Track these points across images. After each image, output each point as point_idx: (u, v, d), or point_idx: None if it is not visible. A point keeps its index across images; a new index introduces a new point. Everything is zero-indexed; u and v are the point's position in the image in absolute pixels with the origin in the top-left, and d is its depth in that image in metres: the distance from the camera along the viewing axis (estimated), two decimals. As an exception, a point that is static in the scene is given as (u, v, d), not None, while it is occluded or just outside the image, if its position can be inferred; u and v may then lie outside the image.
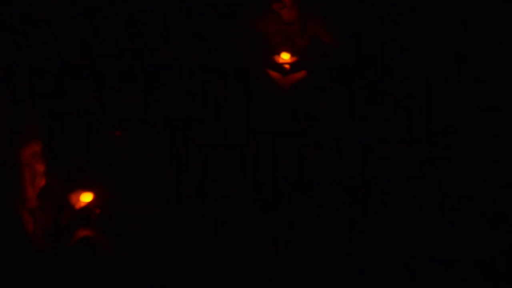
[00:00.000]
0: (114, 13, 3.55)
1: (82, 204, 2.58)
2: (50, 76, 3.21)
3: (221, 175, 3.07)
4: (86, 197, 2.60)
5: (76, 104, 3.19)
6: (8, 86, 2.94)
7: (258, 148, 3.25)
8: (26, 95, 3.05)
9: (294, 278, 2.60)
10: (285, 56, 3.46)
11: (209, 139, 3.29)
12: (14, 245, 2.41)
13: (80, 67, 3.36)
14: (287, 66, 3.45)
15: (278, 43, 3.50)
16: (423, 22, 3.39)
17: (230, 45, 3.52)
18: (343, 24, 3.45)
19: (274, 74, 3.45)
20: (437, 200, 2.84)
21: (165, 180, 3.01)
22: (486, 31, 3.22)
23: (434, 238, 2.66)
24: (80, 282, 2.39)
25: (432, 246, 2.63)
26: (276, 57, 3.47)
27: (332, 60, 3.43)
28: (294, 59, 3.46)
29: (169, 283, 2.59)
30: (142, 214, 2.76)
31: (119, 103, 3.31)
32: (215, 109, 3.42)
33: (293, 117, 3.38)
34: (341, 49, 3.41)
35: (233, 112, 3.40)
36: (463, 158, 2.98)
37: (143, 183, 2.95)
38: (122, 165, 2.97)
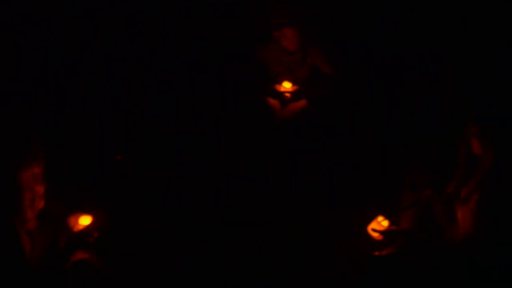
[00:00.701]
0: (116, 31, 3.59)
1: (80, 227, 2.58)
2: (52, 99, 3.25)
3: (220, 204, 3.07)
4: (85, 220, 2.61)
5: (78, 127, 3.22)
6: (9, 108, 2.98)
7: (258, 176, 3.26)
8: (28, 118, 3.10)
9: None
10: (286, 85, 3.52)
11: (208, 166, 3.30)
12: (11, 266, 2.40)
13: (82, 90, 3.40)
14: (287, 95, 3.50)
15: (279, 72, 3.57)
16: (421, 51, 3.42)
17: (232, 74, 3.58)
18: (343, 54, 3.51)
19: (274, 102, 3.49)
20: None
21: (164, 204, 3.01)
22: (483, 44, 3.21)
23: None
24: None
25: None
26: (277, 86, 3.53)
27: (332, 90, 3.47)
28: (294, 88, 3.51)
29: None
30: (140, 237, 2.75)
31: (120, 127, 3.34)
32: (215, 136, 3.44)
33: (293, 145, 3.40)
34: (340, 78, 3.45)
35: (234, 139, 3.42)
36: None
37: (142, 207, 2.95)
38: (121, 189, 2.98)
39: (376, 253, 2.48)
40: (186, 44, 3.67)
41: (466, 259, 2.23)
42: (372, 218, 2.54)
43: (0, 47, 3.23)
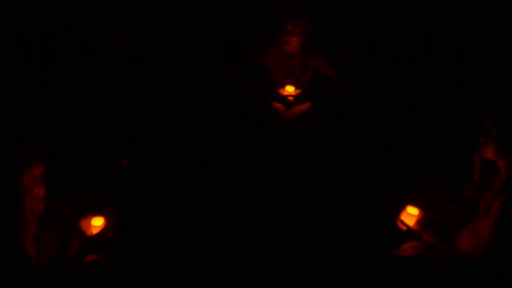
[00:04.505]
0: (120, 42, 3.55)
1: (94, 230, 2.51)
2: (56, 101, 3.17)
3: (227, 202, 3.05)
4: (97, 222, 2.54)
5: (82, 129, 3.15)
6: (10, 110, 2.89)
7: (262, 179, 3.25)
8: (30, 120, 3.01)
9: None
10: (289, 89, 3.54)
11: (213, 168, 3.27)
12: (16, 270, 2.31)
13: (87, 92, 3.33)
14: (291, 98, 3.52)
15: (282, 76, 3.58)
16: (429, 50, 3.48)
17: (236, 78, 3.57)
18: (345, 56, 3.55)
19: (278, 106, 3.50)
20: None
21: (171, 205, 2.97)
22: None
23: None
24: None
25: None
26: (280, 90, 3.54)
27: (335, 92, 3.50)
28: (298, 91, 3.54)
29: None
30: (149, 237, 2.70)
31: (125, 130, 3.29)
32: (220, 139, 3.42)
33: (297, 148, 3.40)
34: (343, 81, 3.49)
35: (238, 143, 3.40)
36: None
37: (150, 208, 2.90)
38: (128, 190, 2.92)
39: (383, 251, 2.46)
40: (191, 49, 3.65)
41: (486, 273, 2.20)
42: (400, 209, 2.53)
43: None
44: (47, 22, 3.35)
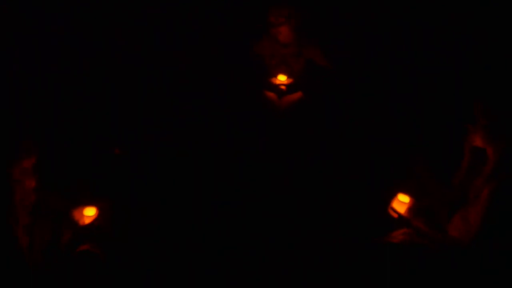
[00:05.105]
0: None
1: (87, 220, 2.51)
2: (47, 93, 3.16)
3: (219, 191, 3.06)
4: (90, 212, 2.54)
5: (74, 121, 3.14)
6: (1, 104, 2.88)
7: (254, 169, 3.26)
8: (22, 113, 3.00)
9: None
10: (281, 78, 3.53)
11: (205, 156, 3.28)
12: (8, 261, 2.31)
13: (78, 83, 3.32)
14: (283, 87, 3.52)
15: (275, 65, 3.57)
16: (410, 42, 3.49)
17: (228, 67, 3.56)
18: (338, 46, 3.55)
19: (270, 95, 3.50)
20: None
21: (163, 196, 2.97)
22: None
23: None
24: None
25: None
26: (272, 79, 3.54)
27: (327, 82, 3.50)
28: (290, 80, 3.54)
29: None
30: (144, 227, 2.71)
31: (117, 120, 3.28)
32: (212, 128, 3.42)
33: (289, 138, 3.41)
34: (335, 71, 3.49)
35: (230, 132, 3.41)
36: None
37: (142, 199, 2.90)
38: (121, 181, 2.91)
39: (375, 238, 2.48)
40: (182, 39, 3.64)
41: (475, 258, 2.23)
42: (391, 197, 2.55)
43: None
44: (35, 14, 3.33)
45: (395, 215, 2.53)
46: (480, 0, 3.38)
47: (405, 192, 2.56)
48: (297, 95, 3.50)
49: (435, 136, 3.01)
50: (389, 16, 3.57)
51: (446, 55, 3.40)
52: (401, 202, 2.54)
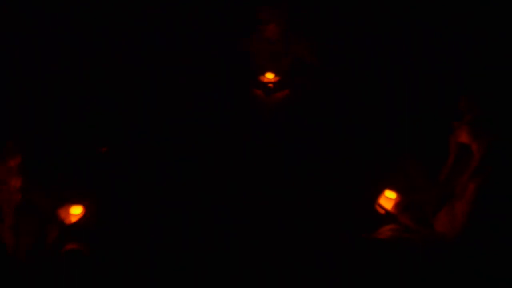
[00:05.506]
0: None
1: (73, 218, 2.49)
2: (34, 94, 3.12)
3: (205, 189, 3.04)
4: (76, 210, 2.52)
5: (60, 121, 3.10)
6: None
7: (243, 165, 3.25)
8: (7, 113, 2.97)
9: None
10: (269, 76, 3.54)
11: (192, 155, 3.25)
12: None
13: (65, 82, 3.28)
14: (270, 85, 3.52)
15: (262, 63, 3.58)
16: (398, 41, 3.51)
17: (216, 65, 3.56)
18: (325, 44, 3.56)
19: (258, 92, 3.50)
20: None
21: (150, 193, 2.95)
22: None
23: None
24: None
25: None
26: (260, 77, 3.54)
27: (314, 79, 3.51)
28: (277, 78, 3.54)
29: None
30: (131, 226, 2.68)
31: (104, 119, 3.24)
32: (199, 127, 3.40)
33: (276, 135, 3.41)
34: (322, 68, 3.50)
35: (218, 130, 3.39)
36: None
37: (131, 195, 2.88)
38: (107, 179, 2.88)
39: (363, 234, 2.50)
40: (171, 38, 3.61)
41: (461, 253, 2.27)
42: (378, 193, 2.58)
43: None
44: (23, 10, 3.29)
45: (382, 211, 2.55)
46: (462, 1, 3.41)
47: (392, 188, 2.58)
48: (284, 92, 3.50)
49: (421, 133, 3.03)
50: (375, 15, 3.58)
51: (432, 54, 3.42)
52: (388, 198, 2.56)
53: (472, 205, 2.23)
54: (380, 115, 3.37)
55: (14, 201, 2.44)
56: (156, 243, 2.65)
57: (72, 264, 2.38)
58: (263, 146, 3.30)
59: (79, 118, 3.16)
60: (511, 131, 2.28)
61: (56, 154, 2.82)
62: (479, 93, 2.31)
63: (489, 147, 2.26)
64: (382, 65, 3.51)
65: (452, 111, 2.37)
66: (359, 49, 3.57)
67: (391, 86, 3.45)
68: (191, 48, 3.63)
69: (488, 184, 2.21)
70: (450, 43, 3.35)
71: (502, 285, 2.24)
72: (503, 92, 2.29)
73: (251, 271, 2.54)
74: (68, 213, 2.52)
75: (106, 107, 3.29)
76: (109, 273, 2.43)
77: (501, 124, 2.27)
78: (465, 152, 2.38)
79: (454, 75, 3.14)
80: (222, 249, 2.63)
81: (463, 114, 2.34)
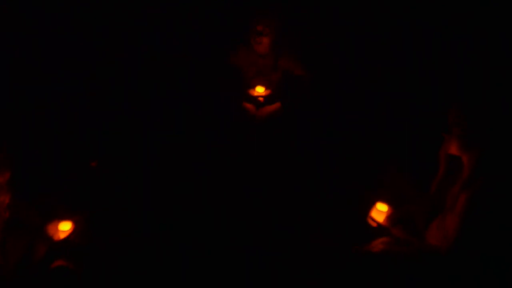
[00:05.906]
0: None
1: (61, 235, 2.46)
2: (21, 108, 3.10)
3: (195, 203, 3.03)
4: (65, 226, 2.49)
5: (49, 133, 3.08)
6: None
7: (234, 181, 3.24)
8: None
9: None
10: (259, 89, 3.54)
11: (182, 170, 3.25)
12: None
13: (53, 95, 3.27)
14: (261, 99, 3.52)
15: (252, 76, 3.58)
16: (387, 50, 3.53)
17: (206, 79, 3.56)
18: (315, 57, 3.58)
19: (249, 106, 3.50)
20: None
21: (141, 206, 2.94)
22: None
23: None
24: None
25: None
26: (251, 90, 3.54)
27: (304, 92, 3.52)
28: (268, 92, 3.55)
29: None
30: (120, 242, 2.66)
31: (94, 132, 3.23)
32: (191, 142, 3.40)
33: (268, 148, 3.41)
34: (313, 81, 3.51)
35: (208, 144, 3.39)
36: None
37: (120, 211, 2.86)
38: (98, 194, 2.87)
39: (355, 248, 2.46)
40: (164, 49, 3.62)
41: (453, 265, 2.24)
42: (369, 206, 2.56)
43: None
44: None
45: (374, 224, 2.54)
46: (449, 6, 3.44)
47: (383, 201, 2.58)
48: (275, 106, 3.50)
49: (411, 145, 3.04)
50: (364, 28, 3.62)
51: (421, 64, 3.46)
52: (380, 211, 2.55)
53: (463, 217, 2.23)
54: (370, 127, 3.38)
55: (2, 218, 2.40)
56: (147, 260, 2.63)
57: (60, 280, 2.34)
58: (253, 160, 3.30)
59: (68, 132, 3.15)
60: (502, 142, 2.28)
61: (44, 169, 2.80)
62: (469, 105, 2.31)
63: (479, 159, 2.27)
64: (371, 77, 3.54)
65: (441, 123, 2.37)
66: (349, 61, 3.59)
67: (381, 99, 3.47)
68: (177, 62, 3.63)
69: (479, 196, 2.21)
70: (441, 54, 3.38)
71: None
72: (493, 104, 2.29)
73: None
74: (56, 229, 2.49)
75: (94, 120, 3.27)
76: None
77: (491, 135, 2.27)
78: (455, 164, 2.38)
79: (443, 87, 3.17)
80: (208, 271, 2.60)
81: (452, 125, 2.34)
